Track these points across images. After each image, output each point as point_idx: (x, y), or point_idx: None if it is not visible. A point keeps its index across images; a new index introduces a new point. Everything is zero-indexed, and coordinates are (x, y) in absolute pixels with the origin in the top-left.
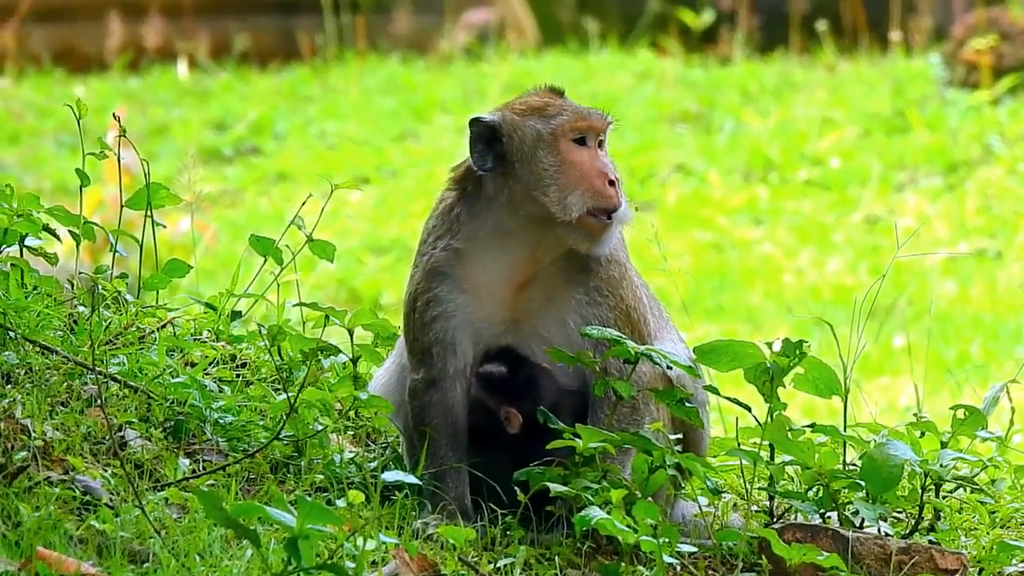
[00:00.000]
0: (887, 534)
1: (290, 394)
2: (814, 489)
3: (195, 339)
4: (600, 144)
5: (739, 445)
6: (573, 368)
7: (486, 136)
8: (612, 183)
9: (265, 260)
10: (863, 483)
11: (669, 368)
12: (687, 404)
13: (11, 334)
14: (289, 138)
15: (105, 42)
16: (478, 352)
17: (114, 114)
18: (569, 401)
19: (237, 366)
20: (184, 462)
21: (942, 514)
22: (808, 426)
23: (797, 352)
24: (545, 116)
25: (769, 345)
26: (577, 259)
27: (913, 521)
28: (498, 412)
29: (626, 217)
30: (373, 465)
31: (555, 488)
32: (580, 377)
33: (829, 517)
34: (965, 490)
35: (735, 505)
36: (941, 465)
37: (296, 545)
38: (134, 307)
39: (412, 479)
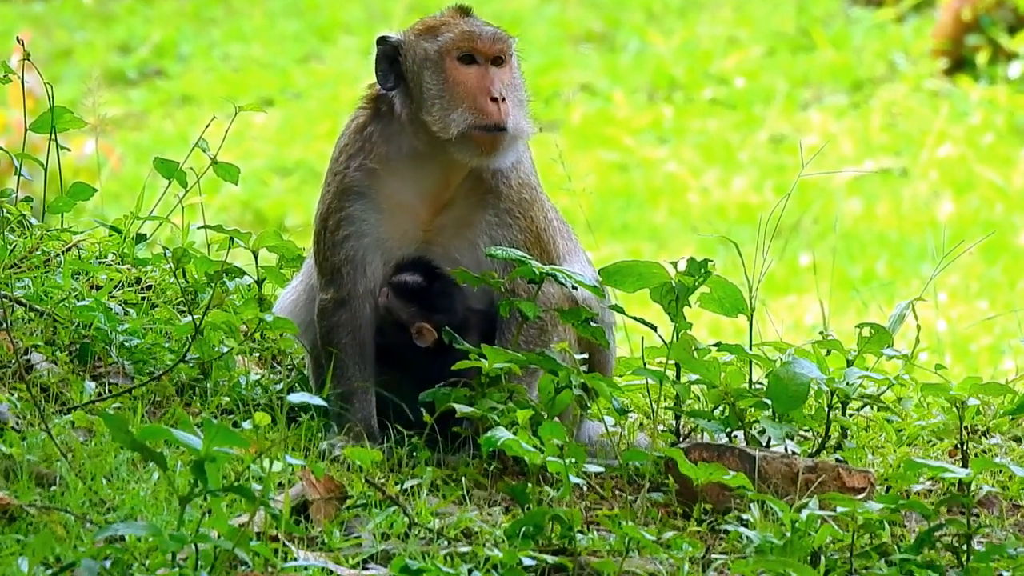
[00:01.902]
0: (794, 453)
1: (195, 316)
2: (720, 408)
3: (100, 262)
4: (497, 63)
5: (645, 365)
6: (481, 289)
7: (390, 56)
8: (495, 100)
9: (169, 183)
10: (769, 402)
11: (574, 288)
12: (593, 324)
13: None
14: (193, 60)
15: None
16: (388, 272)
17: (18, 38)
18: (478, 321)
19: (142, 289)
20: (90, 385)
21: (849, 432)
22: (714, 345)
23: (702, 271)
24: (434, 36)
25: (674, 264)
26: (489, 182)
27: (820, 440)
28: (410, 325)
29: (520, 131)
30: (279, 387)
31: (461, 409)
32: (489, 299)
33: (735, 436)
34: (872, 408)
35: (641, 425)
36: (847, 383)
37: (203, 467)
38: (39, 231)
39: (318, 401)
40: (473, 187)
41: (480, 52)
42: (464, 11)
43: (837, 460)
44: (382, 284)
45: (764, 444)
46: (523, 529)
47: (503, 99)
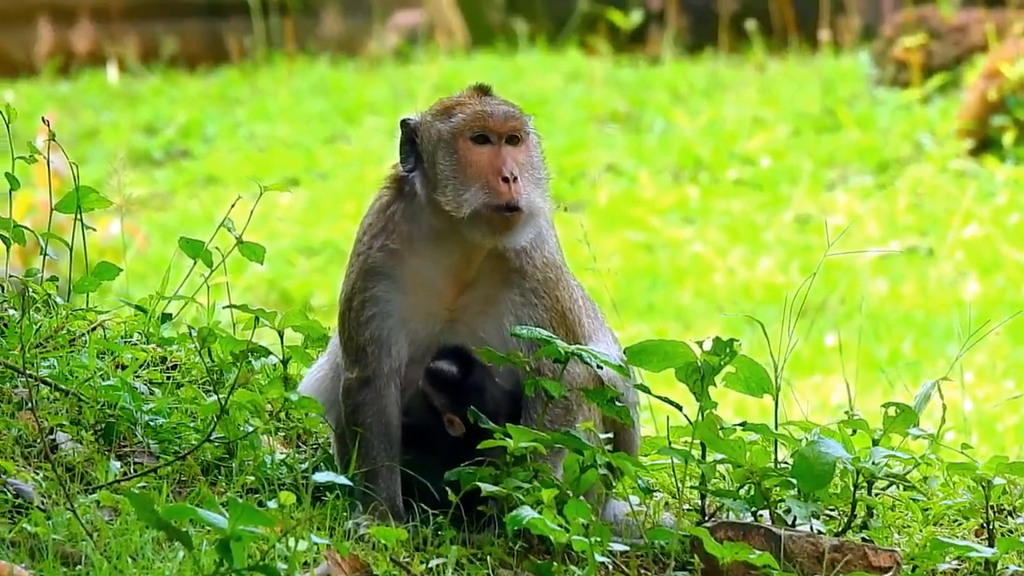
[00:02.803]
0: (819, 532)
1: (221, 396)
2: (746, 487)
3: (125, 342)
4: (512, 141)
5: (670, 444)
6: (508, 369)
7: (411, 137)
8: (507, 180)
9: (195, 262)
10: (795, 481)
11: (599, 368)
12: (618, 403)
13: None
14: (219, 141)
15: (34, 47)
16: (414, 352)
17: (43, 118)
18: (507, 402)
19: (168, 368)
20: (115, 464)
21: (875, 512)
22: (739, 424)
23: (728, 351)
24: (448, 116)
25: (700, 344)
26: (512, 261)
27: (846, 519)
28: (443, 413)
29: (535, 210)
30: (304, 466)
31: (486, 488)
32: (515, 378)
33: (761, 515)
34: (897, 487)
35: (667, 504)
36: (873, 463)
37: (228, 547)
38: (64, 310)
39: (343, 480)
40: (497, 266)
41: (493, 131)
42: (483, 90)
43: (863, 539)
44: (409, 364)
45: (790, 523)
46: None
47: (515, 178)
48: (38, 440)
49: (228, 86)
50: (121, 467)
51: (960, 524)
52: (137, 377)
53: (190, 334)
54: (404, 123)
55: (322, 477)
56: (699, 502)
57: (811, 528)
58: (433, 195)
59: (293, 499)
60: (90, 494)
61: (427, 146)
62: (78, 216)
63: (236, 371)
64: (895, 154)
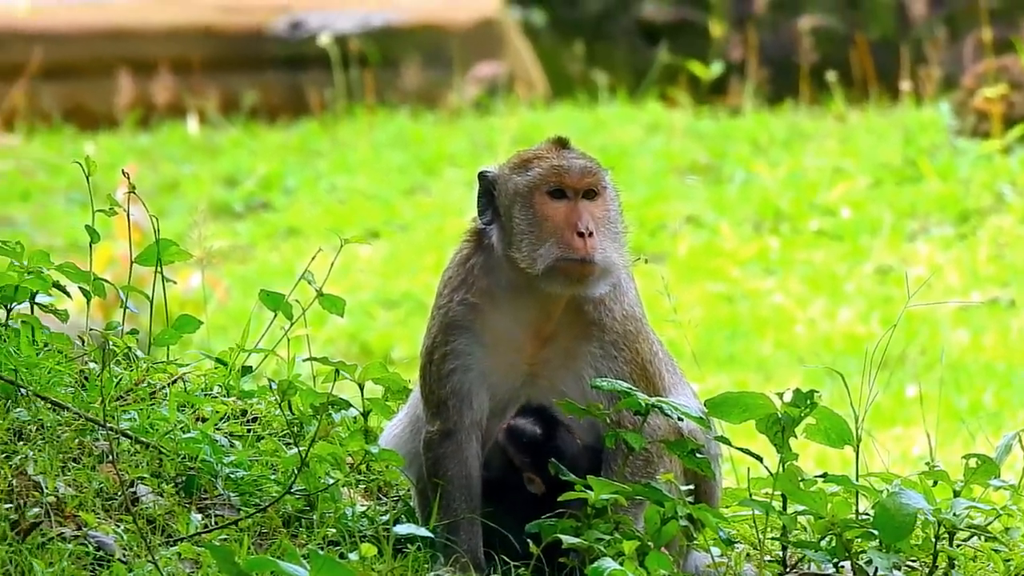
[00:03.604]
0: None
1: (301, 448)
2: (827, 539)
3: (206, 394)
4: (589, 195)
5: (751, 495)
6: (588, 422)
7: (488, 190)
8: (582, 234)
9: (275, 315)
10: (876, 532)
11: (680, 420)
12: (699, 455)
13: (22, 391)
14: (299, 193)
15: (115, 99)
16: (495, 406)
17: (123, 171)
18: (587, 456)
19: (248, 421)
20: (196, 517)
21: (956, 563)
22: (820, 476)
23: (808, 402)
24: (525, 170)
25: (780, 396)
26: (591, 314)
27: (927, 570)
28: (523, 471)
29: (611, 264)
30: (385, 518)
31: (568, 539)
32: (595, 431)
33: (842, 567)
34: (979, 539)
35: (748, 555)
36: (954, 514)
37: None
38: (145, 363)
39: (424, 532)
40: (576, 319)
41: (569, 186)
42: (561, 143)
43: None
44: (490, 417)
45: (871, 574)
46: None
47: (591, 233)
48: (119, 493)
49: (308, 138)
50: (202, 519)
51: None
52: (218, 430)
53: (270, 387)
54: (482, 175)
55: (403, 529)
56: (780, 553)
57: None
58: (509, 250)
59: (374, 551)
60: (171, 546)
61: (504, 199)
62: (158, 269)
63: (317, 424)
64: (976, 205)
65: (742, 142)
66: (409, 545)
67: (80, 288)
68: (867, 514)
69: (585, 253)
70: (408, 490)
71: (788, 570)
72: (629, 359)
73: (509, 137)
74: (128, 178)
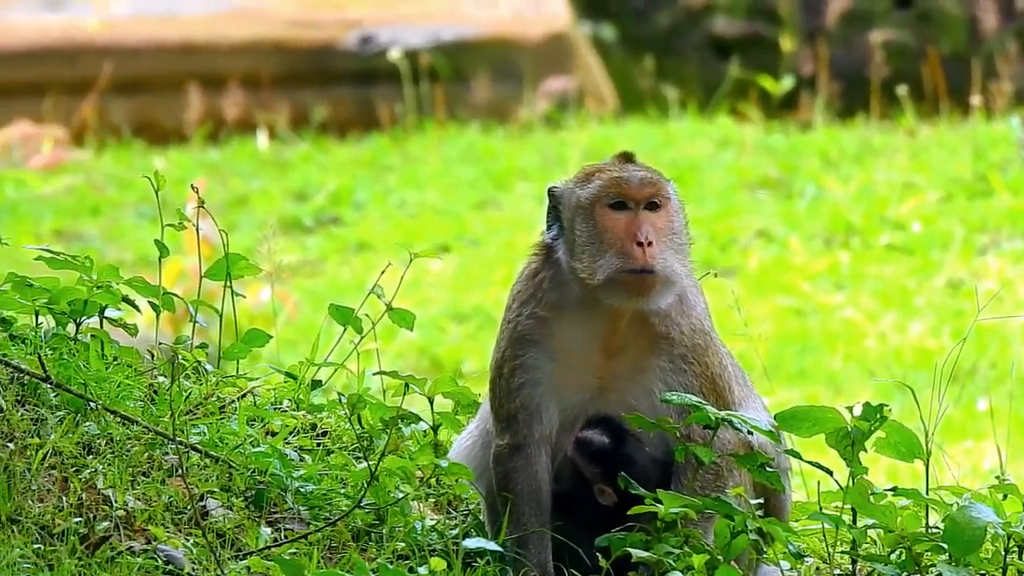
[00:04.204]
0: None
1: (371, 462)
2: (897, 552)
3: (275, 408)
4: (652, 207)
5: (821, 509)
6: (658, 436)
7: (556, 205)
8: (641, 244)
9: (345, 329)
10: (946, 546)
11: (750, 433)
12: (768, 469)
13: (92, 405)
14: (369, 207)
15: (184, 114)
16: (565, 419)
17: (193, 185)
18: (657, 470)
19: (318, 435)
20: (266, 531)
21: None
22: (890, 490)
23: (878, 416)
24: (587, 183)
25: (850, 409)
26: (659, 327)
27: None
28: (592, 483)
29: (672, 275)
30: (455, 532)
31: (637, 554)
32: (665, 445)
33: None
34: None
35: (817, 569)
36: None
37: None
38: (214, 377)
39: (494, 546)
40: (643, 333)
41: (630, 197)
42: (626, 157)
43: None
44: (560, 431)
45: None
46: None
47: (650, 243)
48: (188, 507)
49: (378, 153)
50: (271, 533)
51: None
52: (287, 444)
53: (340, 401)
54: (550, 191)
55: (473, 543)
56: (850, 567)
57: None
58: (572, 262)
59: (444, 565)
60: (240, 560)
61: (567, 213)
62: (228, 283)
63: (386, 437)
64: None
65: (813, 157)
66: (478, 559)
67: (149, 302)
68: (937, 528)
69: (644, 263)
70: (478, 504)
71: None
72: (698, 373)
73: (579, 152)
74: (197, 193)
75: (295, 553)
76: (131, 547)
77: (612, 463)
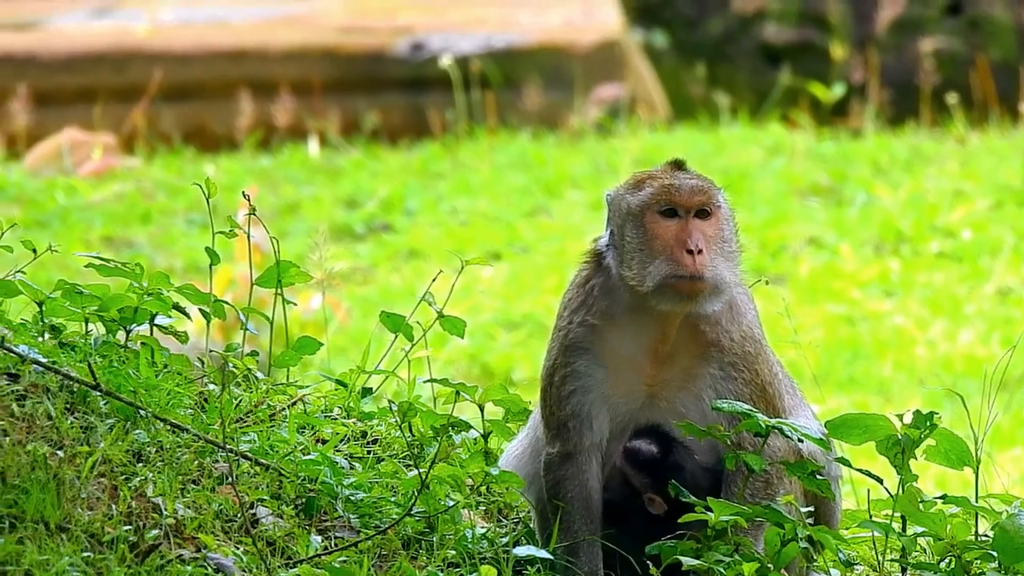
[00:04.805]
0: None
1: (421, 470)
2: (947, 560)
3: (326, 416)
4: (702, 215)
5: (871, 517)
6: (708, 444)
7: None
8: (691, 252)
9: (396, 337)
10: (996, 554)
11: (800, 441)
12: (819, 477)
13: (142, 412)
14: (420, 215)
15: (235, 121)
16: (615, 427)
17: (244, 192)
18: (706, 478)
19: (368, 443)
20: (316, 539)
21: None
22: (940, 497)
23: (928, 424)
24: (637, 190)
25: (900, 417)
26: (709, 335)
27: None
28: (642, 492)
29: (722, 282)
30: (505, 540)
31: (687, 561)
32: (716, 454)
33: None
34: None
35: None
36: None
37: None
38: (264, 385)
39: (544, 554)
40: (693, 340)
41: (681, 204)
42: (677, 165)
43: None
44: (609, 438)
45: None
46: None
47: (700, 251)
48: (239, 515)
49: (429, 160)
50: (322, 541)
51: None
52: (338, 451)
53: (391, 408)
54: (608, 197)
55: (523, 551)
56: (900, 575)
57: None
58: (621, 269)
59: (494, 573)
60: (291, 568)
61: (617, 219)
62: (279, 291)
63: (437, 445)
64: None
65: (863, 164)
66: (529, 567)
67: (200, 310)
68: (986, 536)
69: (694, 270)
70: (528, 512)
71: None
72: (748, 380)
73: (630, 159)
74: (249, 200)
75: (345, 561)
76: (181, 555)
77: (661, 472)
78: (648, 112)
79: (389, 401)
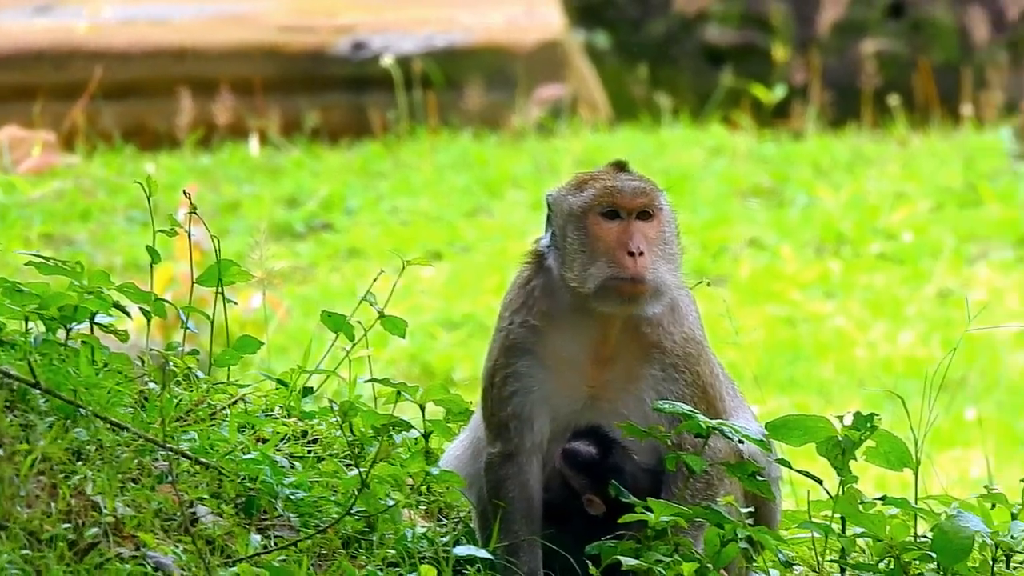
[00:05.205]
0: None
1: (362, 469)
2: (885, 561)
3: (266, 415)
4: (644, 216)
5: (811, 518)
6: (649, 444)
7: (549, 212)
8: (633, 254)
9: (337, 336)
10: (934, 555)
11: (741, 443)
12: (759, 478)
13: (82, 411)
14: (361, 214)
15: (175, 119)
16: (556, 428)
17: (184, 191)
18: (646, 479)
19: (308, 442)
20: (255, 538)
21: None
22: (879, 498)
23: (868, 425)
24: (579, 191)
25: (840, 419)
26: (650, 336)
27: None
28: (581, 493)
29: (662, 284)
30: (445, 540)
31: (627, 561)
32: (657, 454)
33: None
34: None
35: None
36: (1012, 536)
37: None
38: (205, 383)
39: (484, 553)
40: (635, 342)
41: (622, 207)
42: (620, 166)
43: None
44: (551, 439)
45: None
46: None
47: (641, 253)
48: (178, 513)
49: (370, 159)
50: (262, 540)
51: None
52: (278, 451)
53: (331, 408)
54: (548, 198)
55: (463, 551)
56: (839, 575)
57: None
58: (563, 270)
59: (434, 573)
60: (230, 567)
61: (559, 220)
62: (219, 289)
63: (377, 445)
64: None
65: (804, 165)
66: (469, 567)
67: (140, 308)
68: (925, 537)
69: (635, 272)
70: (468, 512)
71: None
72: (690, 381)
73: (572, 159)
74: (189, 198)
75: (285, 560)
76: (120, 553)
77: (600, 474)
78: (590, 113)
79: (330, 401)
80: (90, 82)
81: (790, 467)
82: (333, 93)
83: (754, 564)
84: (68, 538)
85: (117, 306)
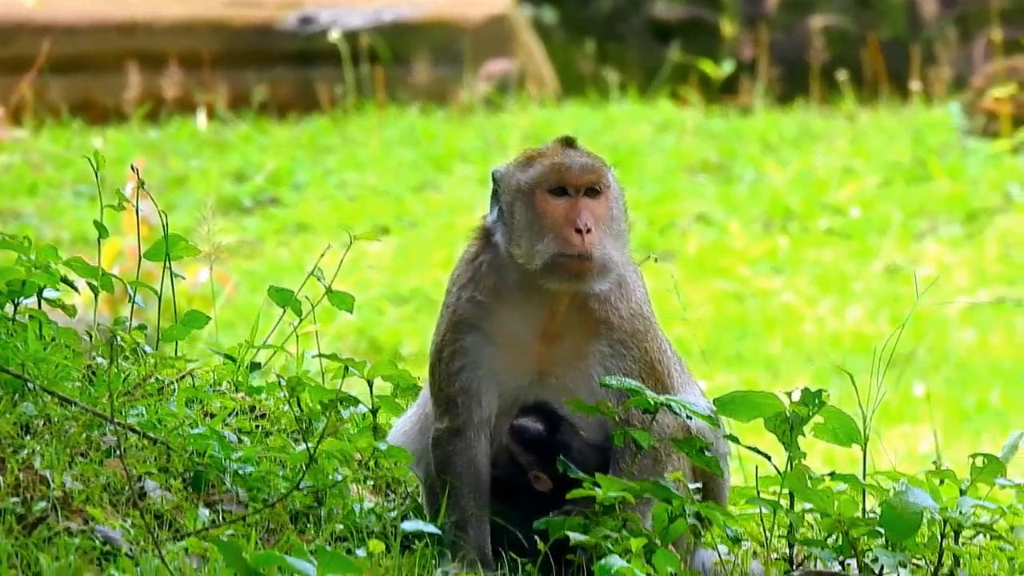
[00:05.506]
0: None
1: (310, 444)
2: (834, 536)
3: (214, 390)
4: (591, 193)
5: (759, 493)
6: (597, 421)
7: (496, 187)
8: (580, 231)
9: (284, 311)
10: (883, 530)
11: (689, 418)
12: (707, 454)
13: (29, 385)
14: (308, 189)
15: (123, 93)
16: (504, 404)
17: (132, 165)
18: (594, 455)
19: (256, 417)
20: (204, 512)
21: (961, 561)
22: (828, 474)
23: (816, 401)
24: (527, 168)
25: (788, 395)
26: (598, 312)
27: (932, 568)
28: (528, 469)
29: (609, 261)
30: (393, 515)
31: (575, 537)
32: (605, 431)
33: (848, 564)
34: (984, 537)
35: (755, 553)
36: (960, 512)
37: None
38: (153, 358)
39: (432, 528)
40: (583, 318)
41: (570, 183)
42: (568, 142)
43: None
44: (499, 415)
45: (877, 572)
46: None
47: (589, 230)
48: (126, 487)
49: (318, 134)
50: (210, 515)
51: None
52: (226, 425)
53: (279, 383)
54: (494, 174)
55: (411, 526)
56: (787, 551)
57: None
58: (510, 246)
59: (382, 547)
60: (178, 541)
61: (507, 196)
62: (167, 264)
63: (325, 420)
64: (984, 204)
65: (752, 141)
66: (417, 542)
67: (88, 283)
68: (874, 512)
69: (582, 249)
70: (416, 487)
71: (794, 568)
72: (637, 357)
73: (519, 134)
74: (137, 173)
75: (233, 535)
76: (68, 527)
77: (547, 450)
78: (537, 88)
79: (277, 375)
80: (38, 56)
81: (738, 443)
82: (281, 68)
83: (702, 540)
84: (16, 512)
85: (65, 280)
